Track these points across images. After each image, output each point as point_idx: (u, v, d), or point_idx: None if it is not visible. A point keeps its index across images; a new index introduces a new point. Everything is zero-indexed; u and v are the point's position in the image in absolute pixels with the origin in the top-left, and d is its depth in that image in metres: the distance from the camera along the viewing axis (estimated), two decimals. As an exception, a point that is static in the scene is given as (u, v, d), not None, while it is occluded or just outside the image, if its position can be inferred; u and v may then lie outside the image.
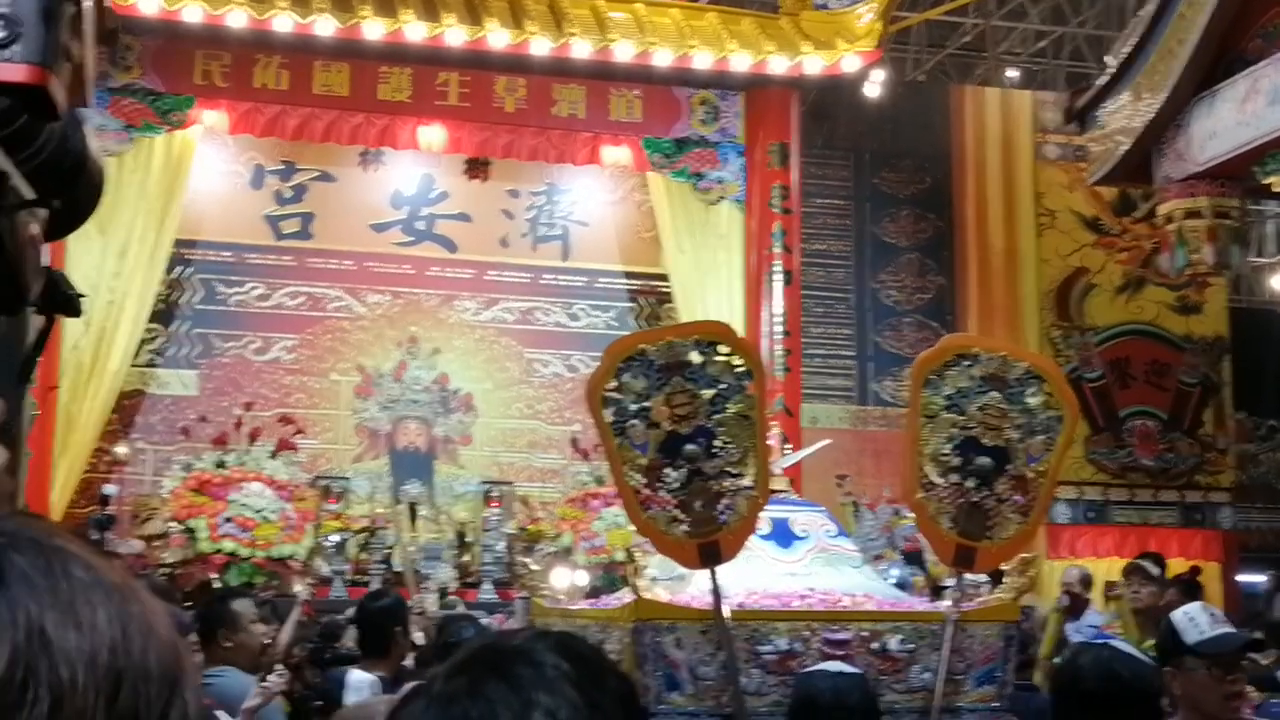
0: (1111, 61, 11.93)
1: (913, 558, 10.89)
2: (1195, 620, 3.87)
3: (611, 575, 11.30)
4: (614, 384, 4.11)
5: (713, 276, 13.33)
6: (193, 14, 12.14)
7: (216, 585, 11.71)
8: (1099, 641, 4.01)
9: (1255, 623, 7.68)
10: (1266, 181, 10.05)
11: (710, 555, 4.23)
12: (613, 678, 1.23)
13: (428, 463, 13.89)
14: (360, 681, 5.06)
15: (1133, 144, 11.27)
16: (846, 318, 15.52)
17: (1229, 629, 3.91)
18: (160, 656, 0.92)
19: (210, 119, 12.75)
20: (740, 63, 13.10)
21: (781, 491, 5.12)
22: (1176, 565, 12.98)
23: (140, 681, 0.90)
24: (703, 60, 13.04)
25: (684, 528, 4.19)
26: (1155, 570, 6.86)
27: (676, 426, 4.14)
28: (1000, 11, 17.50)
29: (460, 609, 11.08)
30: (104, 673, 0.88)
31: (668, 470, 4.15)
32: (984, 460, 4.40)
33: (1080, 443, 15.32)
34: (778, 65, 13.15)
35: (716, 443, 4.18)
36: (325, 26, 12.31)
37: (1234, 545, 15.89)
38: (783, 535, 4.96)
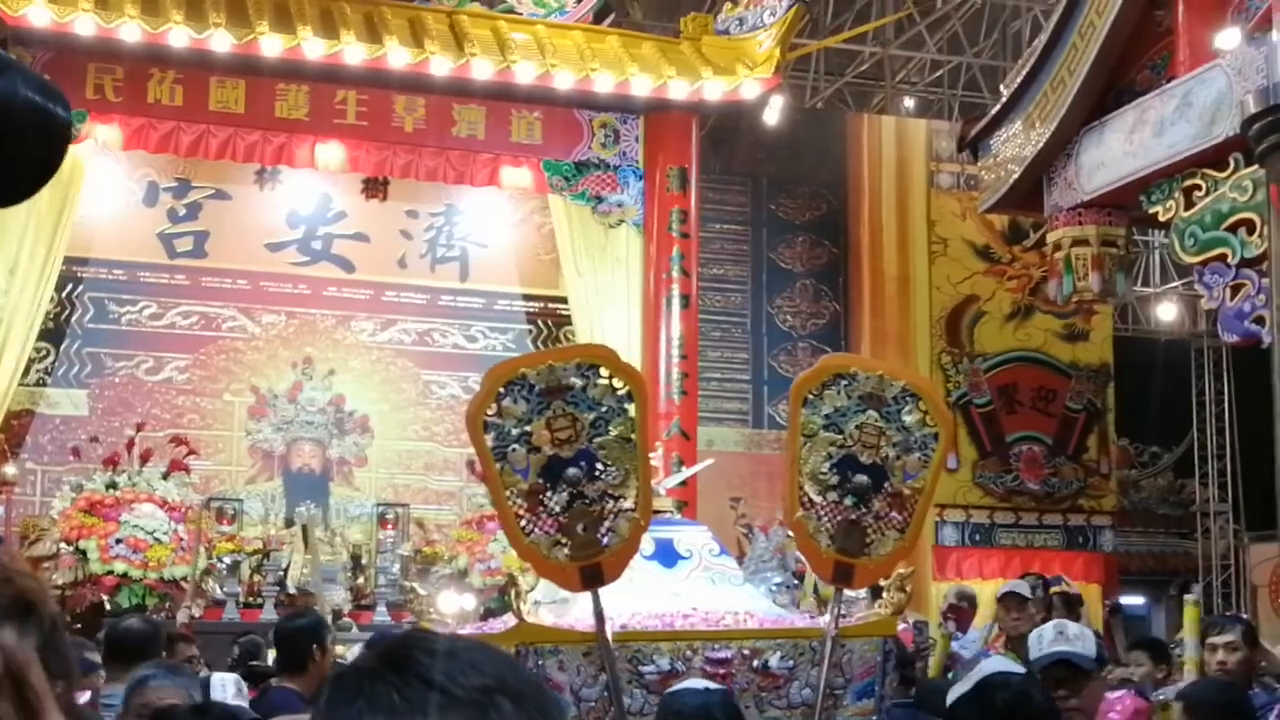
0: (1004, 91, 12.15)
1: (805, 579, 10.99)
2: (1042, 636, 4.02)
3: (506, 597, 11.30)
4: (494, 409, 4.13)
5: (611, 299, 13.37)
6: (85, 26, 11.94)
7: (108, 607, 11.60)
8: (1007, 670, 3.98)
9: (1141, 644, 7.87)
10: (1152, 211, 10.27)
11: (592, 578, 4.25)
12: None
13: (322, 484, 13.80)
14: (223, 680, 5.09)
15: (1023, 172, 11.45)
16: (742, 342, 15.68)
17: (1065, 647, 4.03)
18: None
19: (103, 134, 12.50)
20: (641, 86, 13.17)
21: (665, 512, 5.17)
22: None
23: None
24: (604, 83, 13.09)
25: (566, 551, 4.21)
26: (1028, 593, 7.04)
27: (558, 450, 4.16)
28: (898, 41, 17.77)
29: (353, 632, 11.04)
30: None
31: (549, 494, 4.17)
32: (861, 478, 4.46)
33: (968, 466, 15.62)
34: (678, 89, 13.24)
35: (598, 466, 4.20)
36: (221, 41, 12.18)
37: (1115, 568, 16.27)
38: (666, 555, 5.01)
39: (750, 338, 15.72)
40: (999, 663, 3.66)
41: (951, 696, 3.53)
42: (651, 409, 12.44)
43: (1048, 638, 4.03)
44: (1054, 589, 9.81)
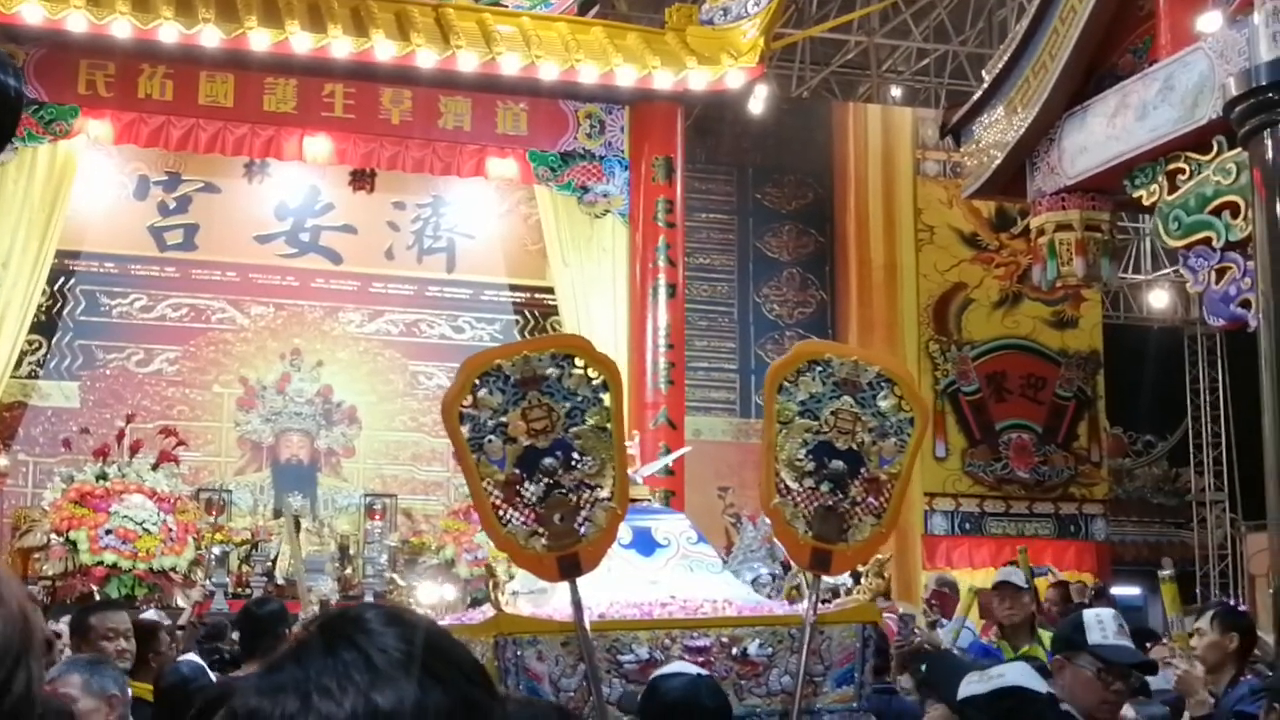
0: (986, 77, 12.15)
1: (789, 568, 10.98)
2: (1104, 624, 3.98)
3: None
4: (470, 400, 4.13)
5: (598, 289, 13.38)
6: (77, 23, 12.00)
7: (97, 597, 11.61)
8: (1028, 687, 3.94)
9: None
10: (1136, 195, 10.27)
11: (570, 567, 4.25)
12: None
13: (310, 475, 13.84)
14: (195, 666, 5.14)
15: (1006, 157, 11.44)
16: (729, 331, 15.70)
17: (1130, 643, 4.05)
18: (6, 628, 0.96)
19: (94, 129, 12.58)
20: (626, 77, 13.18)
21: (643, 500, 5.19)
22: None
23: None
24: (589, 74, 13.11)
25: (543, 541, 4.20)
26: (1023, 582, 7.06)
27: (534, 440, 4.16)
28: (883, 30, 17.77)
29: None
30: None
31: (526, 484, 4.17)
32: (838, 464, 4.46)
33: (957, 455, 15.63)
34: (663, 80, 13.26)
35: (574, 455, 4.20)
36: (210, 37, 12.23)
37: (1107, 557, 16.24)
38: (644, 544, 5.02)
39: (737, 327, 15.74)
40: (1022, 674, 3.64)
41: (965, 689, 3.54)
42: (637, 398, 12.52)
43: (1110, 628, 3.98)
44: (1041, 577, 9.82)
